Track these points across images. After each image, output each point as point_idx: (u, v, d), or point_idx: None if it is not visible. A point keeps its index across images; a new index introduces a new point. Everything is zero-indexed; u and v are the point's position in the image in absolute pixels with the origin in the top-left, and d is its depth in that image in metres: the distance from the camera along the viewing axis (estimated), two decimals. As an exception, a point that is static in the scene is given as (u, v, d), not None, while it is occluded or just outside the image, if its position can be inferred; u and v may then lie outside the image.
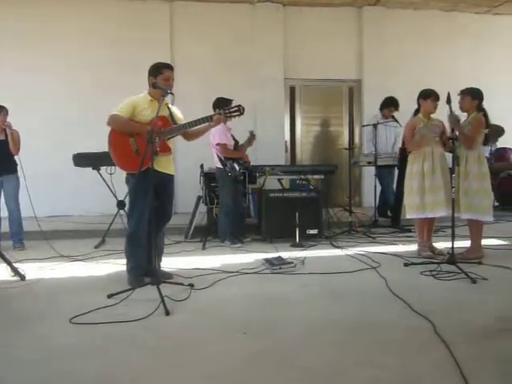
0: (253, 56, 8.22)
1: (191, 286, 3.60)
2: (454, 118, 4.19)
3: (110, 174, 5.43)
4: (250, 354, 2.40)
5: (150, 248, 3.70)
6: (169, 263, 4.34)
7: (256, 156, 7.52)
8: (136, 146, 3.68)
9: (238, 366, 2.28)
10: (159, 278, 3.46)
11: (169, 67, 3.86)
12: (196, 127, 3.79)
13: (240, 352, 2.43)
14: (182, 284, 3.63)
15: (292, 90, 8.66)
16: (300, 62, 8.43)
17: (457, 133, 4.29)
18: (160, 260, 3.96)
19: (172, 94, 3.66)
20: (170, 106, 3.81)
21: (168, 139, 3.78)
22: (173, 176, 3.99)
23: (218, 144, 5.40)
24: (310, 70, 8.47)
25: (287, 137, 8.61)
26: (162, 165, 3.72)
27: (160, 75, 3.77)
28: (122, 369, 2.28)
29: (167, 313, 2.99)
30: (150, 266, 3.76)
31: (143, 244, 3.75)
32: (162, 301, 3.08)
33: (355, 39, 8.70)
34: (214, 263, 4.53)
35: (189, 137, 4.04)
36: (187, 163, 7.35)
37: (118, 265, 4.33)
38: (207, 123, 3.76)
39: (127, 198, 4.23)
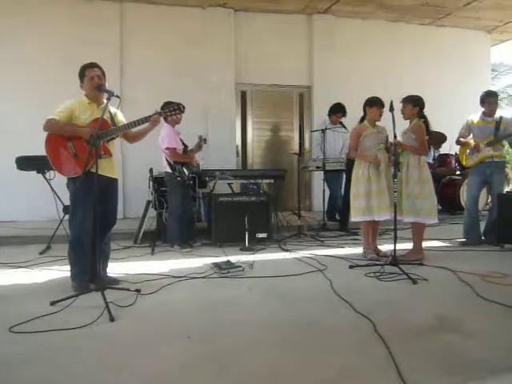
0: (204, 60, 8.23)
1: (138, 291, 3.54)
2: (396, 145, 4.34)
3: (49, 180, 5.26)
4: (193, 357, 2.39)
5: (95, 253, 3.62)
6: (116, 269, 4.27)
7: (207, 160, 7.51)
8: (74, 150, 3.59)
9: (179, 370, 2.26)
10: (104, 283, 3.40)
11: (91, 66, 3.71)
12: (136, 128, 3.75)
13: (182, 356, 2.41)
14: (128, 289, 3.56)
15: (243, 95, 8.73)
16: (251, 67, 8.51)
17: (399, 138, 4.47)
18: (106, 265, 3.89)
19: (118, 97, 3.55)
20: (110, 107, 3.71)
21: (108, 141, 3.69)
22: (116, 180, 3.90)
23: (167, 148, 5.36)
24: (261, 75, 8.56)
25: (238, 141, 8.65)
26: (105, 168, 3.61)
27: (84, 78, 3.69)
28: (60, 377, 2.21)
29: (111, 319, 2.93)
30: (95, 271, 3.68)
31: (87, 250, 3.65)
32: (107, 307, 3.01)
33: (305, 46, 8.87)
34: (162, 268, 4.48)
35: (131, 139, 3.99)
36: (137, 167, 7.28)
37: (62, 271, 4.20)
38: (147, 124, 3.72)
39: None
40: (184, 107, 3.80)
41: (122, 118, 3.88)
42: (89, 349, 2.53)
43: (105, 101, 3.67)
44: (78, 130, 3.59)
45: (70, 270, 3.71)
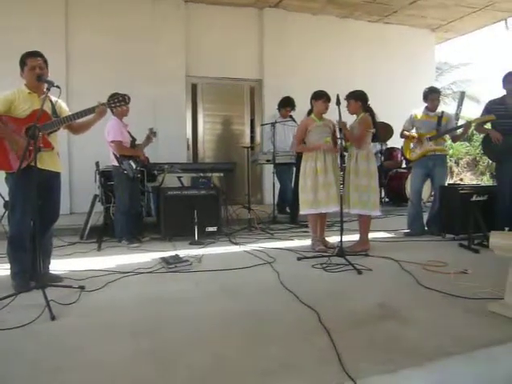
0: (154, 52, 8.09)
1: (81, 288, 3.45)
2: (341, 124, 4.43)
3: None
4: (136, 354, 2.35)
5: (35, 250, 3.49)
6: (61, 265, 4.14)
7: (157, 153, 7.42)
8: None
9: (122, 368, 2.22)
10: (45, 281, 3.29)
11: (33, 55, 3.55)
12: (81, 120, 3.63)
13: (125, 353, 2.36)
14: (71, 286, 3.46)
15: (194, 88, 8.64)
16: (202, 59, 8.44)
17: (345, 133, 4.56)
18: (48, 262, 3.76)
19: (58, 87, 3.42)
20: (52, 98, 3.58)
21: (49, 134, 3.55)
22: (59, 174, 3.75)
23: (112, 141, 5.23)
24: (212, 68, 8.51)
25: (189, 134, 8.56)
26: (45, 162, 3.48)
27: (25, 67, 3.53)
28: (1, 379, 2.13)
29: (52, 318, 2.83)
30: (36, 269, 3.55)
31: (27, 247, 3.52)
32: (48, 305, 2.91)
33: (256, 39, 8.89)
34: (108, 264, 4.38)
35: (75, 130, 3.86)
36: (84, 161, 7.07)
37: (2, 270, 4.03)
38: (93, 115, 3.62)
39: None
40: (129, 98, 3.72)
41: (65, 108, 3.75)
42: (27, 349, 2.44)
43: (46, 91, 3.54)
44: (14, 137, 3.42)
45: (10, 269, 3.56)
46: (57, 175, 3.72)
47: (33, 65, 3.51)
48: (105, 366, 2.24)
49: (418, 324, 2.70)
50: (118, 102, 3.68)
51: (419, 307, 3.00)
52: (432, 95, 5.65)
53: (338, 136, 4.54)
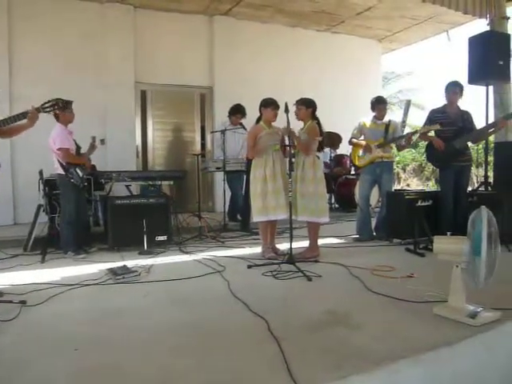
0: (102, 57, 7.91)
1: (23, 302, 3.28)
2: (288, 130, 4.46)
3: None
4: (79, 370, 2.25)
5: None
6: (1, 279, 3.97)
7: (106, 161, 7.23)
8: None
9: (64, 384, 2.12)
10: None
11: None
12: (12, 124, 3.48)
13: (67, 369, 2.26)
14: (11, 301, 3.29)
15: (143, 94, 8.50)
16: (152, 66, 8.33)
17: (294, 141, 4.59)
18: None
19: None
20: None
21: None
22: None
23: (59, 149, 5.04)
24: (162, 74, 8.41)
25: (138, 142, 8.41)
26: None
27: None
28: None
29: (-10, 335, 2.69)
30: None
31: None
32: (-15, 322, 2.76)
33: (207, 47, 8.86)
34: (53, 276, 4.21)
35: (2, 134, 3.69)
36: (27, 169, 6.79)
37: None
38: (25, 120, 3.48)
39: None
40: (62, 102, 3.60)
41: None
42: (-42, 369, 2.29)
43: None
44: None
45: None
46: None
47: None
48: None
49: (368, 329, 2.73)
50: (52, 106, 3.55)
51: (368, 312, 3.05)
52: (379, 105, 5.81)
53: (287, 143, 4.57)
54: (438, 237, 3.02)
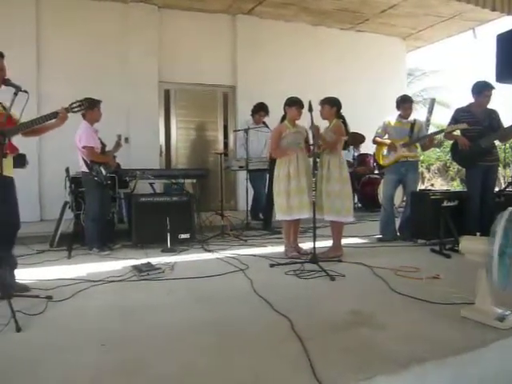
0: (127, 57, 8.01)
1: (49, 298, 3.34)
2: (314, 128, 4.44)
3: None
4: (106, 366, 2.28)
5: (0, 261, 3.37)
6: (29, 274, 4.02)
7: (129, 159, 7.32)
8: None
9: (89, 379, 2.15)
10: (11, 291, 3.16)
11: (1, 55, 3.42)
12: (41, 124, 3.52)
13: (94, 365, 2.29)
14: (38, 296, 3.35)
15: (167, 93, 8.56)
16: (175, 65, 8.38)
17: (319, 141, 4.56)
18: (13, 272, 3.62)
19: (26, 92, 3.31)
20: (11, 99, 3.34)
21: (10, 138, 3.43)
22: (13, 178, 3.59)
23: (84, 147, 5.12)
24: (185, 73, 8.46)
25: (162, 140, 8.48)
26: (5, 167, 3.26)
27: None
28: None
29: (18, 329, 2.73)
30: (1, 279, 3.42)
31: None
32: (13, 316, 2.80)
33: (230, 46, 8.88)
34: (78, 272, 4.27)
35: (30, 133, 3.72)
36: (54, 167, 6.93)
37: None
38: (54, 120, 3.52)
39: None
40: (88, 102, 3.64)
41: (14, 111, 3.61)
42: (-10, 362, 2.35)
43: None
44: None
45: None
46: (12, 180, 3.58)
47: (2, 66, 3.38)
48: (71, 379, 2.16)
49: (392, 330, 2.70)
50: (79, 106, 3.58)
51: (392, 313, 3.01)
52: (405, 104, 5.72)
53: (311, 142, 4.55)
54: (465, 237, 2.97)
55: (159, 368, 2.25)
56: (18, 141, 3.59)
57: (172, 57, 8.35)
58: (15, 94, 3.26)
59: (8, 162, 3.49)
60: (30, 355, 2.45)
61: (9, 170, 3.52)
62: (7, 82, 3.36)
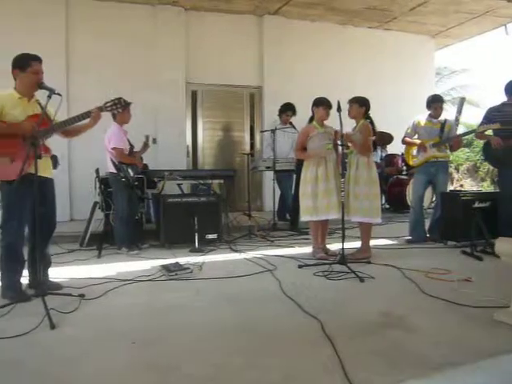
0: (154, 59, 8.08)
1: (81, 296, 3.40)
2: (341, 135, 4.41)
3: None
4: (136, 364, 2.31)
5: (35, 259, 3.45)
6: (60, 273, 4.10)
7: (157, 160, 7.40)
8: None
9: (121, 377, 2.18)
10: (45, 289, 3.24)
11: (37, 59, 3.49)
12: (75, 124, 3.58)
13: (125, 363, 2.32)
14: (70, 295, 3.42)
15: (194, 95, 8.62)
16: (202, 66, 8.42)
17: (348, 143, 4.54)
18: (47, 270, 3.72)
19: (59, 94, 3.38)
20: (44, 101, 3.43)
21: (45, 139, 3.52)
22: (52, 180, 3.70)
23: (113, 148, 5.19)
24: (211, 74, 8.49)
25: (189, 141, 8.54)
26: (41, 168, 3.34)
27: (28, 68, 3.43)
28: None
29: (52, 326, 2.79)
30: (35, 277, 3.51)
31: (21, 257, 3.48)
32: (47, 314, 2.87)
33: (256, 46, 8.87)
34: (108, 271, 4.34)
35: (68, 134, 3.83)
36: (84, 168, 7.05)
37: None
38: (88, 120, 3.58)
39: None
40: (124, 101, 3.70)
41: (53, 113, 3.67)
42: (28, 358, 2.40)
43: (36, 94, 3.52)
44: (14, 126, 3.38)
45: (1, 280, 3.48)
46: (51, 181, 3.67)
47: (38, 69, 3.46)
48: (104, 376, 2.20)
49: (423, 333, 2.67)
50: (114, 105, 3.63)
51: (423, 315, 2.97)
52: (435, 103, 5.62)
53: (340, 143, 4.52)
54: (501, 238, 2.90)
55: (191, 368, 2.26)
56: (49, 142, 3.68)
57: (199, 58, 8.40)
58: (49, 96, 3.33)
59: (47, 163, 3.59)
60: (64, 352, 2.50)
61: (48, 171, 3.61)
62: (41, 85, 3.43)
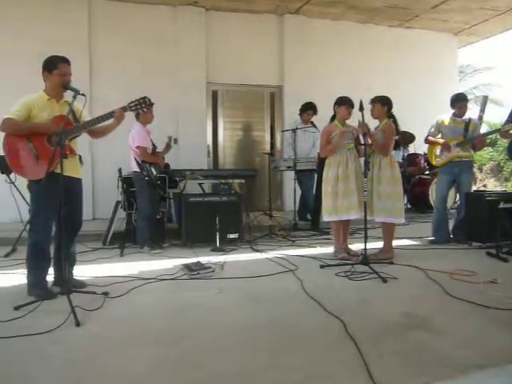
0: (175, 59, 8.14)
1: (105, 294, 3.45)
2: (363, 125, 4.39)
3: (13, 181, 5.01)
4: (159, 362, 2.33)
5: (61, 257, 3.51)
6: (84, 271, 4.15)
7: (178, 160, 7.44)
8: (35, 151, 3.44)
9: (146, 375, 2.20)
10: (70, 287, 3.29)
11: (65, 61, 3.54)
12: (101, 124, 3.62)
13: (150, 360, 2.34)
14: (94, 293, 3.46)
15: (214, 95, 8.65)
16: (223, 66, 8.44)
17: (369, 140, 4.49)
18: (72, 268, 3.77)
19: (84, 95, 3.44)
20: (70, 102, 3.48)
21: (71, 139, 3.56)
22: (80, 180, 3.76)
23: (138, 147, 5.25)
24: (232, 74, 8.51)
25: (209, 141, 8.57)
26: (68, 168, 3.43)
27: (55, 70, 3.50)
28: (22, 385, 2.13)
29: (77, 323, 2.83)
30: (61, 275, 3.56)
31: (48, 255, 3.54)
32: (73, 311, 2.91)
33: (277, 46, 8.86)
34: (131, 270, 4.39)
35: (94, 135, 3.85)
36: (106, 167, 7.15)
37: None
38: (112, 120, 3.62)
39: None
40: (149, 100, 3.73)
41: (84, 113, 3.73)
42: (53, 354, 2.44)
43: (65, 96, 3.57)
44: (39, 126, 3.45)
45: (27, 276, 3.55)
46: (78, 181, 3.73)
47: (65, 71, 3.51)
48: (128, 375, 2.22)
49: (449, 335, 2.63)
50: (139, 105, 3.66)
51: (448, 317, 2.93)
52: (460, 102, 5.54)
53: (362, 142, 4.49)
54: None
55: (215, 366, 2.28)
56: (74, 142, 3.73)
57: (219, 58, 8.42)
58: (74, 97, 3.38)
59: (74, 163, 3.65)
60: (89, 349, 2.54)
61: (76, 171, 3.67)
62: (67, 86, 3.49)
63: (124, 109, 3.60)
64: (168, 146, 5.68)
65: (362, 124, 4.40)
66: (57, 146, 3.19)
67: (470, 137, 5.48)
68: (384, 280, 3.79)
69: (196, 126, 8.21)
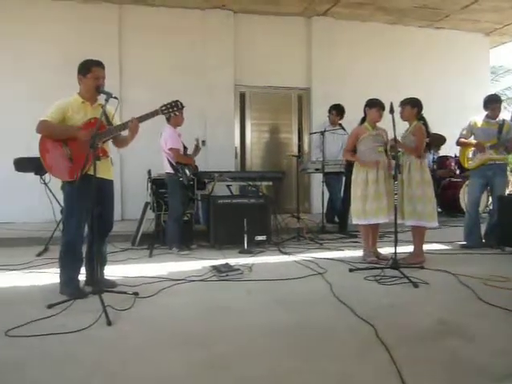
0: (203, 62, 8.19)
1: (135, 294, 3.49)
2: (395, 145, 4.40)
3: (47, 182, 5.15)
4: (189, 364, 2.34)
5: (92, 257, 3.57)
6: (114, 271, 4.21)
7: (206, 162, 7.49)
8: (69, 153, 3.52)
9: (178, 375, 2.22)
10: (101, 286, 3.35)
11: (99, 65, 3.60)
12: (125, 133, 3.68)
13: (181, 361, 2.36)
14: (125, 293, 3.51)
15: (242, 97, 8.68)
16: (250, 69, 8.46)
17: (399, 148, 4.46)
18: (103, 268, 3.83)
19: (116, 98, 3.49)
20: (106, 106, 3.55)
21: (103, 142, 3.62)
22: (112, 181, 3.83)
23: (170, 149, 5.31)
24: (260, 76, 8.51)
25: (237, 143, 8.60)
26: (100, 170, 3.49)
27: (89, 73, 3.56)
28: (54, 383, 2.17)
29: (109, 323, 2.88)
30: (93, 274, 3.62)
31: (80, 255, 3.62)
32: (104, 310, 2.96)
33: (304, 48, 8.83)
34: (160, 271, 4.43)
35: (118, 143, 3.89)
36: (135, 169, 7.25)
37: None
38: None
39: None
40: (182, 104, 3.75)
41: (116, 118, 3.79)
42: (85, 353, 2.48)
43: (99, 99, 3.63)
44: (71, 130, 3.52)
45: (60, 275, 3.63)
46: (110, 183, 3.80)
47: (98, 74, 3.58)
48: (157, 376, 2.23)
49: (482, 342, 2.57)
50: (171, 108, 3.69)
51: (482, 324, 2.87)
52: (493, 104, 5.42)
53: (391, 145, 4.45)
54: None
55: (245, 369, 2.28)
56: (107, 145, 3.79)
57: (247, 60, 8.45)
58: (106, 100, 3.45)
59: (106, 165, 3.72)
60: (120, 349, 2.57)
61: (108, 173, 3.74)
62: (100, 90, 3.55)
63: (156, 112, 3.64)
64: (197, 149, 5.72)
65: (391, 141, 4.35)
66: (90, 148, 3.25)
67: (503, 139, 5.35)
68: (415, 285, 3.73)
69: (224, 128, 8.25)
